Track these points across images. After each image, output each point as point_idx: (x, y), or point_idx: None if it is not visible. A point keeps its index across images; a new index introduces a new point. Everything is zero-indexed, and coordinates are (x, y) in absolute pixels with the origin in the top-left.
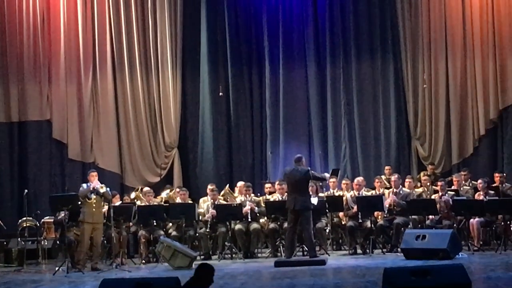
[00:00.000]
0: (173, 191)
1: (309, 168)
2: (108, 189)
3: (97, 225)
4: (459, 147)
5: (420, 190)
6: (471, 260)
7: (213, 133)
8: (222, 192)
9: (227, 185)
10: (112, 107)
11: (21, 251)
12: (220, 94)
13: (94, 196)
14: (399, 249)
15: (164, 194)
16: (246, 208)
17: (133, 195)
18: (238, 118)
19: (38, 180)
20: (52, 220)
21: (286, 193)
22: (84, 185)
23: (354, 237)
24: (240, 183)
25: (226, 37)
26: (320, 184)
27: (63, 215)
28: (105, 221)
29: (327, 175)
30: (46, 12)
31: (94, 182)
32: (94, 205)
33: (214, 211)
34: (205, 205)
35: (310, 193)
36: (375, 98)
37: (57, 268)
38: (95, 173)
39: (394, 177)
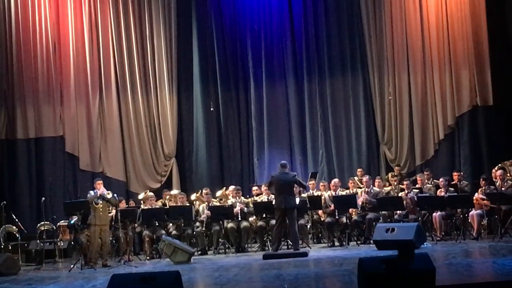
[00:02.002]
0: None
1: (295, 174)
2: (115, 195)
3: (104, 226)
4: (421, 150)
5: (388, 188)
6: (434, 249)
7: (206, 143)
8: (220, 193)
9: (224, 188)
10: (117, 123)
11: (40, 252)
12: (211, 109)
13: (101, 202)
14: (371, 241)
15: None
16: (237, 209)
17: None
18: (227, 130)
19: (53, 189)
20: (66, 223)
21: (272, 195)
22: (92, 192)
23: (332, 231)
24: (231, 187)
25: (215, 60)
26: (300, 189)
27: (75, 219)
28: (113, 223)
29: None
30: (57, 41)
31: (101, 189)
32: (101, 209)
33: (209, 212)
34: (200, 207)
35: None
36: (347, 109)
37: (72, 266)
38: (100, 181)
39: (365, 178)
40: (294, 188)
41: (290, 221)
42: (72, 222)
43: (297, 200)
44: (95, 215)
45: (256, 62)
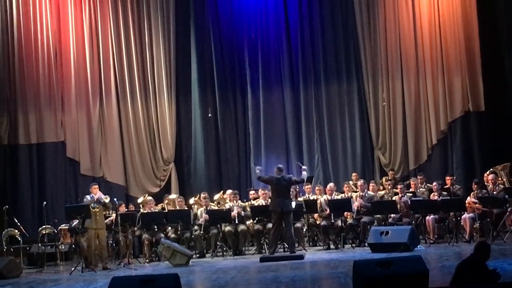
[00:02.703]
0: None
1: (291, 175)
2: (115, 199)
3: (100, 230)
4: (415, 154)
5: (382, 192)
6: (427, 251)
7: (204, 148)
8: (217, 197)
9: (221, 192)
10: (117, 129)
11: (42, 255)
12: (209, 115)
13: (97, 206)
14: (366, 244)
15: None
16: (234, 212)
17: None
18: (225, 135)
19: (55, 193)
20: (67, 227)
21: (269, 198)
22: (88, 197)
23: (328, 234)
24: (228, 191)
25: (213, 66)
26: (297, 188)
27: (76, 222)
28: (113, 226)
29: (304, 173)
30: (58, 49)
31: (98, 193)
32: (97, 213)
33: (207, 215)
34: (199, 211)
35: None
36: (342, 114)
37: (73, 269)
38: (96, 186)
39: (360, 182)
40: (291, 192)
41: (286, 225)
42: (73, 225)
43: (293, 204)
44: (92, 219)
45: (253, 69)
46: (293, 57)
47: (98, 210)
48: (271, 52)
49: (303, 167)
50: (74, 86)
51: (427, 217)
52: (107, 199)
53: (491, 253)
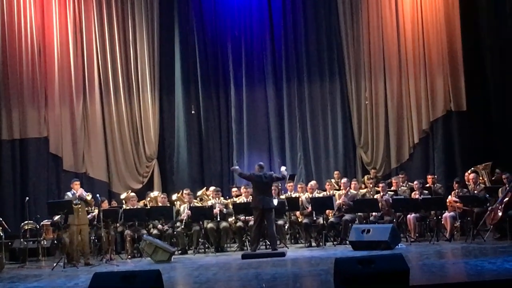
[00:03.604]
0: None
1: (272, 172)
2: (98, 195)
3: (83, 226)
4: (396, 153)
5: (364, 191)
6: (408, 249)
7: (187, 145)
8: (200, 193)
9: (205, 188)
10: (100, 125)
11: (24, 250)
12: (193, 112)
13: (79, 202)
14: (347, 242)
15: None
16: (216, 210)
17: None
18: (208, 133)
19: (37, 189)
20: (49, 222)
21: (250, 196)
22: (69, 194)
23: (309, 232)
24: (211, 188)
25: (196, 64)
26: (280, 185)
27: (57, 218)
28: (95, 222)
29: (283, 169)
30: (42, 44)
31: (79, 190)
32: (79, 210)
33: (189, 211)
34: (181, 207)
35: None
36: (325, 113)
37: (55, 264)
38: (78, 182)
39: (343, 181)
40: (273, 189)
41: (268, 222)
42: (55, 219)
43: (275, 201)
44: (74, 215)
45: (236, 67)
46: (276, 55)
47: (80, 206)
48: (255, 50)
49: (283, 167)
50: (58, 82)
51: (408, 216)
52: (89, 196)
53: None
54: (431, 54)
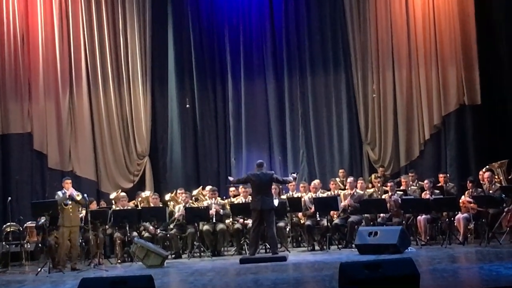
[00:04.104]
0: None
1: (273, 172)
2: (85, 195)
3: (74, 228)
4: (406, 150)
5: (371, 190)
6: (419, 253)
7: (181, 142)
8: (195, 192)
9: (200, 187)
10: (88, 120)
11: (6, 254)
12: (187, 106)
13: (70, 202)
14: (353, 245)
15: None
16: (212, 211)
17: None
18: (203, 128)
19: (20, 188)
20: (34, 225)
21: (249, 196)
22: (60, 193)
23: (312, 235)
24: (207, 187)
25: (191, 54)
26: (280, 189)
27: (43, 220)
28: (83, 224)
29: (291, 178)
30: (25, 33)
31: (70, 189)
32: (70, 210)
33: (184, 210)
34: (176, 208)
35: (272, 195)
36: (329, 107)
37: (39, 269)
38: (69, 181)
39: (349, 180)
40: (273, 189)
41: (267, 224)
42: (40, 223)
43: (276, 202)
44: (64, 217)
45: (234, 58)
46: (277, 45)
47: (71, 206)
48: (254, 40)
49: (294, 174)
50: (42, 73)
51: (419, 217)
52: (79, 196)
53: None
54: (443, 43)
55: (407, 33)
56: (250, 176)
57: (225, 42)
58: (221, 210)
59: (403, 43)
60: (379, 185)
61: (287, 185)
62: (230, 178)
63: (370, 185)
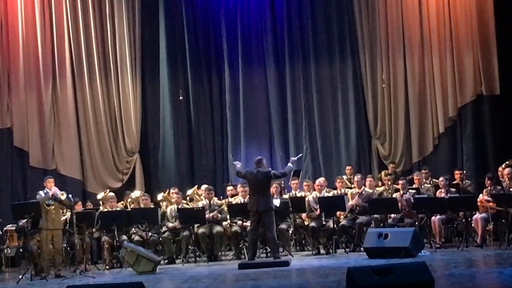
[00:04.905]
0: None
1: (270, 169)
2: (70, 195)
3: (56, 231)
4: (419, 145)
5: (381, 189)
6: (433, 257)
7: (174, 137)
8: (190, 192)
9: (196, 186)
10: (73, 114)
11: None
12: (180, 98)
13: (53, 203)
14: (362, 249)
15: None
16: (209, 215)
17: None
18: (198, 122)
19: None
20: (14, 228)
21: (248, 196)
22: (41, 193)
23: (317, 237)
24: (203, 187)
25: (185, 41)
26: (283, 183)
27: (24, 221)
28: (67, 227)
29: (289, 166)
30: (4, 20)
31: (53, 189)
32: (53, 212)
33: (178, 223)
34: (168, 209)
35: (273, 194)
36: (335, 98)
37: (20, 276)
38: (51, 180)
39: (357, 177)
40: (272, 188)
41: (266, 226)
42: (21, 223)
43: (278, 202)
44: (47, 218)
45: (231, 45)
46: (278, 30)
47: (53, 207)
48: (252, 25)
49: (294, 158)
50: (23, 64)
51: (433, 218)
52: (63, 196)
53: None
54: (459, 27)
55: (419, 17)
56: (247, 173)
57: (221, 28)
58: (219, 215)
59: (415, 28)
60: (389, 183)
61: (290, 183)
62: (236, 163)
63: (379, 183)
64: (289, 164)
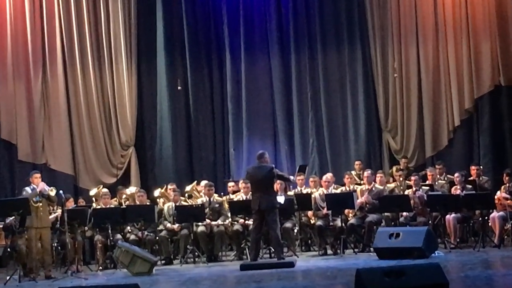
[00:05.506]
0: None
1: (273, 166)
2: (61, 191)
3: (44, 230)
4: (433, 139)
5: (392, 185)
6: (447, 258)
7: (172, 129)
8: (189, 188)
9: (195, 182)
10: (64, 105)
11: None
12: (179, 87)
13: (41, 200)
14: (371, 249)
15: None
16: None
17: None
18: (198, 113)
19: None
20: (1, 226)
21: (251, 193)
22: (28, 189)
23: (324, 237)
24: (202, 182)
25: (183, 26)
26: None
27: (11, 219)
28: (58, 225)
29: (292, 177)
30: None
31: (40, 184)
32: (41, 209)
33: (177, 225)
34: (165, 206)
35: (277, 191)
36: (343, 88)
37: (8, 277)
38: (38, 175)
39: (366, 173)
40: (276, 184)
41: (270, 225)
42: (8, 221)
43: (282, 199)
44: (33, 216)
45: (232, 29)
46: (283, 16)
47: (41, 204)
48: (255, 10)
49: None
50: (11, 51)
51: (447, 216)
52: (52, 191)
53: None
54: (475, 13)
55: (433, 2)
56: (247, 174)
57: (222, 12)
58: (219, 223)
59: (429, 13)
60: (401, 179)
61: (295, 179)
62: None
63: (391, 179)
64: (292, 178)
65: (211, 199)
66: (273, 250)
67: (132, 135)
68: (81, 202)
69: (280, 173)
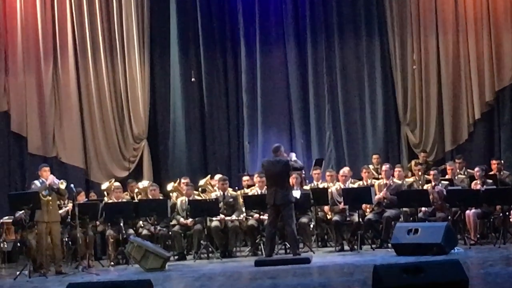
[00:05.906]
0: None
1: (288, 159)
2: (72, 185)
3: (54, 224)
4: (452, 132)
5: (411, 180)
6: (467, 255)
7: (185, 122)
8: (202, 182)
9: (208, 176)
10: (75, 97)
11: None
12: (192, 79)
13: (49, 193)
14: (389, 245)
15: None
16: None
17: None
18: (212, 106)
19: None
20: (11, 220)
21: (266, 187)
22: (37, 182)
23: (341, 232)
24: (216, 177)
25: (197, 16)
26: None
27: (21, 213)
28: (69, 220)
29: (293, 157)
30: None
31: (50, 177)
32: (50, 203)
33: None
34: (178, 201)
35: (293, 185)
36: (361, 80)
37: (18, 273)
38: (47, 168)
39: (385, 167)
40: (292, 178)
41: (285, 220)
42: (18, 215)
43: (298, 193)
44: (43, 210)
45: (248, 20)
46: (299, 6)
47: (50, 198)
48: (271, 1)
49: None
50: (21, 42)
51: (467, 212)
52: (62, 185)
53: None
54: (497, 4)
55: None
56: (262, 167)
57: (237, 3)
58: (234, 218)
59: (449, 4)
60: (420, 173)
61: (311, 173)
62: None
63: (409, 174)
64: (292, 158)
65: (225, 194)
66: (288, 245)
67: (145, 128)
68: (93, 196)
69: (295, 164)
